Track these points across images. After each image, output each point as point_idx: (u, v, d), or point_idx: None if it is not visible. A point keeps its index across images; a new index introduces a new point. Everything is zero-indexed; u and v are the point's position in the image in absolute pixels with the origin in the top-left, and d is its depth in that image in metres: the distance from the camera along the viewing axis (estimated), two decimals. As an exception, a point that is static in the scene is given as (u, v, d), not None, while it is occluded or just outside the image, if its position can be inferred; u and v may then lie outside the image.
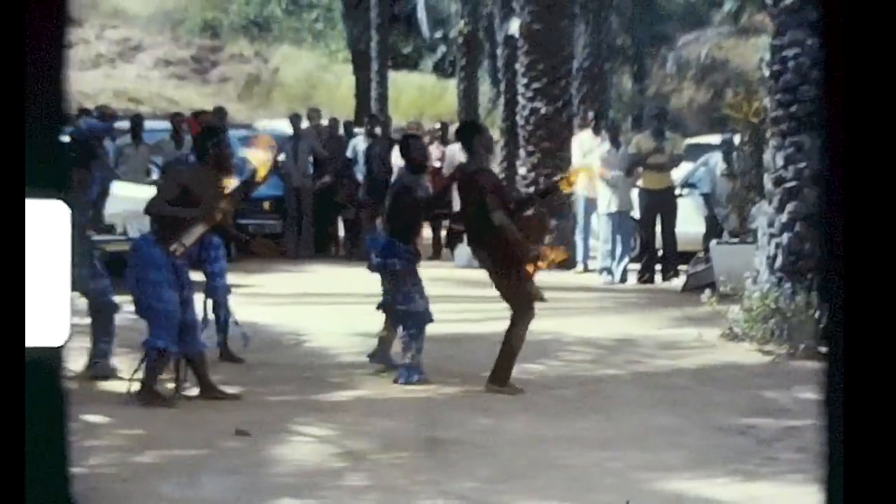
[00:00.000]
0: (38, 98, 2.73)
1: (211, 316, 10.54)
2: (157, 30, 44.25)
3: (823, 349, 8.95)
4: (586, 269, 17.55)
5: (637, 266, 16.71)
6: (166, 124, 18.89)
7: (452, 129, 19.78)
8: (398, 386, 9.86)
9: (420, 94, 40.30)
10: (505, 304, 9.77)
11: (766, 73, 12.44)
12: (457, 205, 10.42)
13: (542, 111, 18.59)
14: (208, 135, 9.56)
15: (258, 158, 9.78)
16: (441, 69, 41.43)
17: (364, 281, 16.03)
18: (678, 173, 17.29)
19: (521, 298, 9.63)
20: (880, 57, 2.56)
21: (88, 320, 9.80)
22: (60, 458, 2.93)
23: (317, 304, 14.43)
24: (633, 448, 7.99)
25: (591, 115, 18.93)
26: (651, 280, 16.58)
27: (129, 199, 13.69)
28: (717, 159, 17.02)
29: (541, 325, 10.40)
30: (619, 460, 7.67)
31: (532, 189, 16.78)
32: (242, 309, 11.20)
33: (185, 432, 8.32)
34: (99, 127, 17.11)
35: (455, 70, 31.99)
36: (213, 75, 43.15)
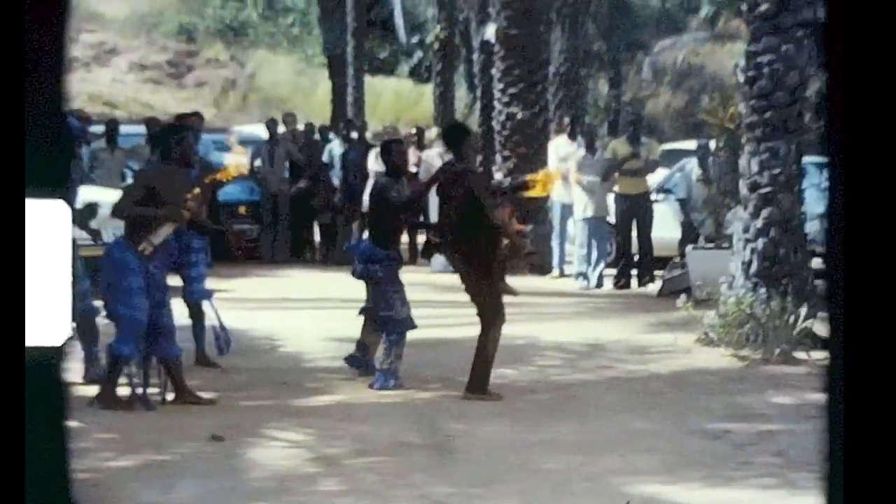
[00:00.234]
0: (38, 98, 2.73)
1: (209, 323, 10.56)
2: (133, 33, 44.13)
3: (798, 354, 8.94)
4: (562, 275, 17.57)
5: (613, 271, 16.73)
6: (141, 129, 18.82)
7: (429, 134, 19.82)
8: (374, 391, 9.85)
9: (396, 99, 40.29)
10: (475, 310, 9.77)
11: (742, 79, 12.48)
12: (431, 209, 10.42)
13: (519, 116, 18.61)
14: (171, 132, 9.54)
15: (232, 160, 9.82)
16: (417, 74, 41.44)
17: (340, 286, 16.03)
18: (654, 178, 17.32)
19: (494, 303, 9.63)
20: (880, 58, 2.56)
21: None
22: (60, 457, 2.92)
23: (293, 309, 14.40)
24: (609, 452, 7.99)
25: (567, 120, 18.95)
26: (627, 285, 16.61)
27: (104, 203, 13.63)
28: (692, 165, 17.06)
29: (516, 330, 10.41)
30: (595, 465, 7.67)
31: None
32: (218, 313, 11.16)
33: (160, 437, 8.30)
34: (77, 127, 17.06)
35: (431, 75, 32.04)
36: (189, 80, 43.06)
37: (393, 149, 10.64)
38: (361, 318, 10.49)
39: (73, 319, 9.66)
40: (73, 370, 9.54)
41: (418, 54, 41.25)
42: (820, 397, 8.89)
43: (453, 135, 10.31)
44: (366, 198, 18.00)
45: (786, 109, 12.04)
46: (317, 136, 20.73)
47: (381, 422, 8.87)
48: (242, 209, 19.24)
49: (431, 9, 32.67)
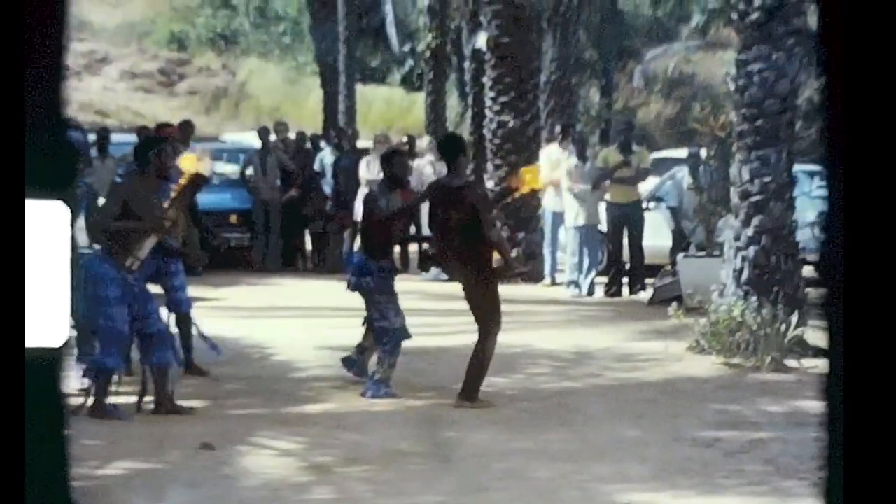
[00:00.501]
0: (38, 98, 2.73)
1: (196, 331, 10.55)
2: (124, 42, 44.16)
3: (789, 362, 8.95)
4: (554, 283, 17.58)
5: (604, 279, 16.74)
6: (133, 137, 18.82)
7: (420, 142, 19.83)
8: (365, 399, 9.85)
9: (388, 108, 40.31)
10: (469, 318, 9.78)
11: (732, 87, 12.50)
12: (421, 218, 10.41)
13: (510, 124, 18.62)
14: (149, 143, 9.55)
15: (192, 161, 9.82)
16: (409, 82, 41.47)
17: (331, 294, 16.03)
18: (645, 187, 17.34)
19: (493, 312, 9.64)
20: (880, 61, 2.57)
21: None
22: (60, 457, 2.92)
23: (284, 318, 14.39)
24: (600, 461, 7.99)
25: (558, 128, 18.96)
26: (618, 293, 16.62)
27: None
28: (683, 173, 17.07)
29: (508, 338, 10.41)
30: (585, 473, 7.67)
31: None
32: (210, 322, 11.16)
33: (150, 445, 8.29)
34: (81, 140, 17.08)
35: (423, 83, 32.01)
36: (181, 88, 43.07)
37: (395, 160, 10.58)
38: (356, 327, 10.51)
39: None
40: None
41: (410, 63, 41.29)
42: (811, 405, 8.93)
43: (449, 147, 10.23)
44: (357, 206, 18.07)
45: (777, 118, 12.06)
46: (308, 145, 20.74)
47: (373, 430, 8.87)
48: (234, 218, 19.23)
49: (423, 17, 32.65)
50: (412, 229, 16.81)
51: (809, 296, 12.33)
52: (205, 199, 16.11)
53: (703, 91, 33.06)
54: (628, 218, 16.54)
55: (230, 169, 20.65)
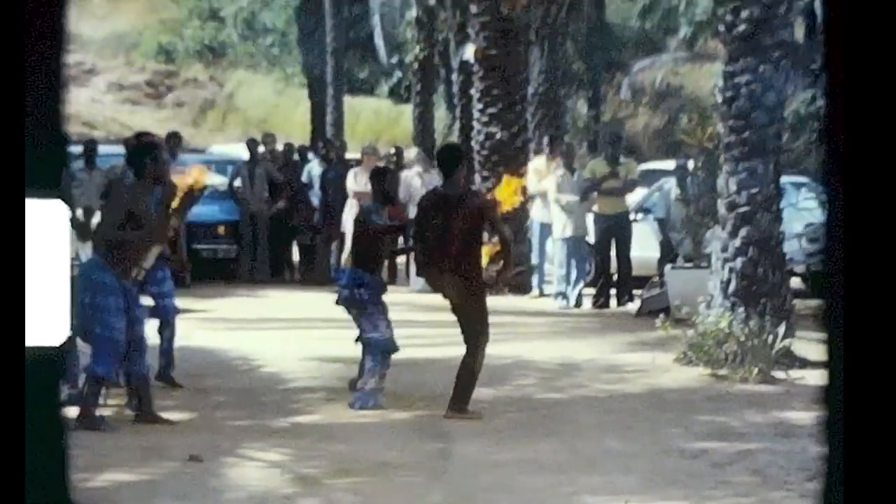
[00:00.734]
0: (37, 98, 2.73)
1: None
2: (111, 54, 44.13)
3: (777, 373, 8.96)
4: (542, 294, 17.59)
5: (592, 291, 16.75)
6: (120, 149, 18.78)
7: (408, 153, 19.83)
8: (352, 411, 9.83)
9: (376, 119, 40.32)
10: (459, 328, 9.79)
11: (720, 99, 12.53)
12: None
13: (498, 136, 18.63)
14: (145, 150, 9.51)
15: (193, 173, 9.84)
16: (397, 94, 41.48)
17: (319, 306, 16.01)
18: (633, 198, 17.36)
19: (484, 323, 9.65)
20: (880, 66, 2.58)
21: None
22: (60, 456, 2.92)
23: (272, 329, 14.38)
24: (587, 472, 7.99)
25: (546, 140, 18.99)
26: (606, 305, 16.63)
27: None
28: (671, 184, 17.10)
29: (495, 349, 10.41)
30: (572, 484, 7.67)
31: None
32: (197, 333, 11.16)
33: (137, 456, 8.27)
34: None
35: (411, 95, 32.06)
36: (168, 100, 43.06)
37: (387, 177, 10.64)
38: (343, 338, 10.55)
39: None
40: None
41: (397, 74, 41.30)
42: (798, 416, 8.93)
43: (448, 156, 10.17)
44: (345, 218, 18.07)
45: (764, 129, 12.09)
46: (296, 156, 20.74)
47: (361, 442, 8.86)
48: (221, 229, 19.21)
49: (411, 29, 32.70)
50: (400, 241, 16.83)
51: (796, 307, 12.36)
52: (192, 210, 16.11)
53: (691, 103, 33.04)
54: (616, 229, 16.56)
55: (218, 180, 20.62)
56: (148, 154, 9.33)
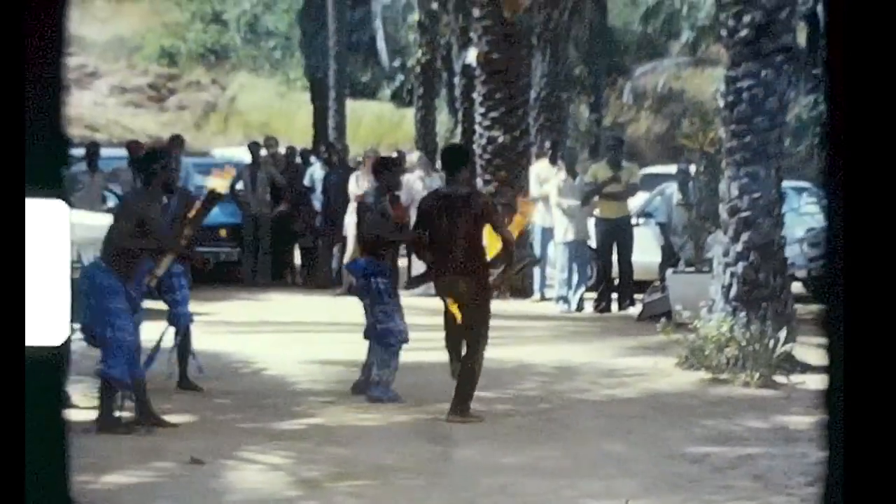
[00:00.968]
0: (38, 98, 2.73)
1: (168, 343, 10.52)
2: (114, 57, 44.14)
3: (778, 377, 8.94)
4: (543, 298, 17.60)
5: (593, 295, 16.75)
6: (122, 152, 18.81)
7: (410, 157, 19.84)
8: (353, 414, 9.84)
9: (378, 123, 40.34)
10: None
11: (722, 103, 12.53)
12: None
13: (500, 140, 18.64)
14: (154, 157, 9.52)
15: (214, 181, 9.90)
16: (399, 98, 41.50)
17: (320, 309, 16.03)
18: (634, 202, 17.37)
19: (486, 327, 9.66)
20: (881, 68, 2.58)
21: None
22: (60, 456, 2.92)
23: (273, 332, 14.38)
24: (587, 476, 7.99)
25: (548, 144, 18.99)
26: (607, 309, 16.63)
27: (83, 226, 13.61)
28: (673, 189, 17.10)
29: (496, 353, 10.42)
30: (572, 488, 7.67)
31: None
32: (199, 337, 11.15)
33: (140, 459, 8.28)
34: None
35: (413, 99, 32.07)
36: (170, 103, 43.07)
37: (388, 166, 10.81)
38: (345, 342, 10.58)
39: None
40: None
41: (400, 78, 41.32)
42: (800, 420, 8.92)
43: (453, 157, 10.16)
44: (347, 221, 18.07)
45: (765, 134, 12.09)
46: (298, 160, 20.76)
47: (362, 445, 8.87)
48: (223, 232, 19.22)
49: (413, 33, 32.70)
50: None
51: (798, 312, 12.36)
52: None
53: (693, 107, 33.07)
54: (617, 233, 16.56)
55: (221, 184, 20.62)
56: (157, 161, 9.34)
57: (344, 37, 33.62)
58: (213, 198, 9.78)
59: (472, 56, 21.21)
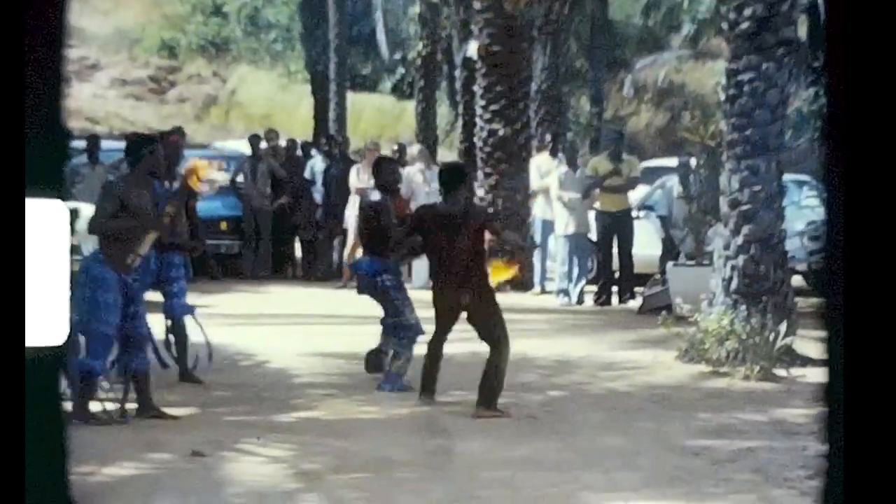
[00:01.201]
0: (38, 98, 2.73)
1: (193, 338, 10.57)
2: (114, 49, 44.11)
3: (778, 371, 8.94)
4: (543, 291, 17.61)
5: (594, 288, 16.76)
6: (123, 144, 18.77)
7: (410, 150, 19.84)
8: (354, 406, 9.86)
9: (379, 116, 40.32)
10: (462, 325, 9.82)
11: (722, 96, 12.53)
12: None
13: (500, 133, 18.64)
14: (143, 142, 9.54)
15: (197, 163, 9.94)
16: (400, 91, 41.48)
17: (321, 302, 16.04)
18: (635, 195, 17.37)
19: (500, 325, 9.70)
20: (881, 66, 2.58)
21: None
22: (60, 456, 2.92)
23: (274, 325, 14.39)
24: (588, 469, 8.00)
25: (548, 137, 19.01)
26: (608, 302, 16.64)
27: (83, 218, 13.61)
28: (673, 182, 17.10)
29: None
30: (573, 482, 7.67)
31: (490, 211, 16.82)
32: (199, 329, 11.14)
33: (140, 452, 8.28)
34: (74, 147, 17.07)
35: (413, 92, 32.04)
36: (171, 95, 43.05)
37: (383, 167, 10.96)
38: (345, 334, 10.70)
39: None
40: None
41: (400, 71, 41.29)
42: (799, 414, 8.93)
43: (451, 176, 10.15)
44: (347, 214, 18.09)
45: (766, 127, 12.09)
46: (299, 152, 20.75)
47: (363, 438, 8.87)
48: (224, 225, 19.23)
49: (414, 26, 32.68)
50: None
51: (798, 305, 12.37)
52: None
53: (694, 100, 33.09)
54: (618, 227, 16.57)
55: (220, 176, 20.65)
56: (146, 146, 9.36)
57: (345, 29, 33.59)
58: (188, 188, 9.80)
59: (472, 49, 21.20)
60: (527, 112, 19.45)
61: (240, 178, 19.43)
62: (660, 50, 37.79)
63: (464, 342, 10.30)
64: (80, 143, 18.24)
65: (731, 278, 12.05)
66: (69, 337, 8.84)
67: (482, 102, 18.93)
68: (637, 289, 16.46)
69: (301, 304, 16.25)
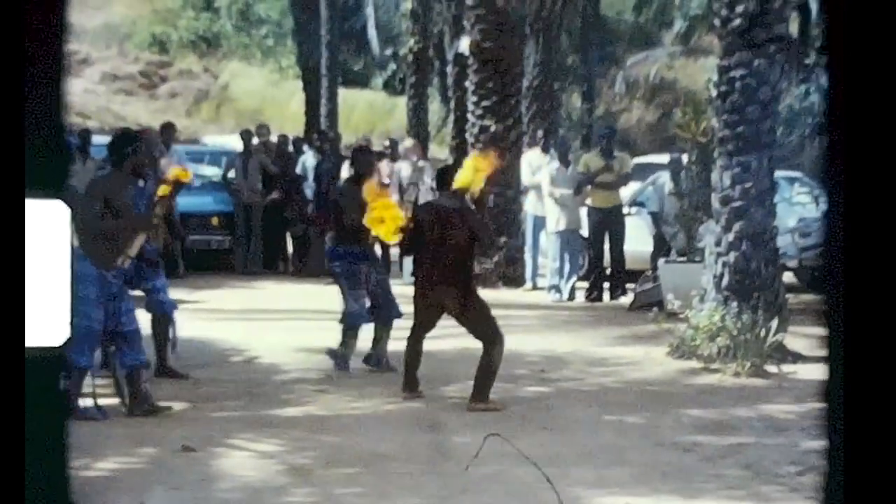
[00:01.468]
0: (38, 97, 2.73)
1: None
2: (105, 44, 44.08)
3: (769, 367, 8.96)
4: (535, 287, 17.61)
5: (585, 284, 16.76)
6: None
7: (402, 145, 19.83)
8: (345, 402, 9.86)
9: (370, 111, 40.33)
10: (453, 322, 9.83)
11: (714, 93, 12.54)
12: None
13: (492, 129, 18.64)
14: (126, 141, 9.48)
15: (178, 166, 9.98)
16: (391, 86, 41.50)
17: (312, 297, 16.03)
18: (626, 192, 17.37)
19: (491, 322, 9.73)
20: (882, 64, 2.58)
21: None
22: (60, 457, 2.92)
23: (265, 321, 14.39)
24: (579, 464, 8.01)
25: (540, 133, 19.00)
26: (599, 298, 16.64)
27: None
28: (665, 178, 17.10)
29: (488, 341, 10.40)
30: (564, 477, 7.67)
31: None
32: (190, 324, 11.17)
33: (131, 447, 8.28)
34: (74, 142, 17.04)
35: (405, 87, 32.04)
36: (162, 91, 43.03)
37: (357, 157, 11.57)
38: (336, 329, 10.86)
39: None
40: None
41: (392, 66, 41.31)
42: (790, 410, 8.94)
43: (447, 177, 10.18)
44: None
45: (758, 124, 12.10)
46: (290, 148, 20.73)
47: (353, 433, 8.88)
48: (215, 220, 19.22)
49: (405, 21, 32.67)
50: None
51: (789, 302, 12.39)
52: (186, 201, 16.13)
53: (685, 97, 33.08)
54: (609, 223, 16.57)
55: (212, 172, 20.65)
56: (129, 145, 9.31)
57: (336, 25, 33.59)
58: (179, 183, 9.76)
59: (464, 45, 21.19)
60: (518, 108, 19.46)
61: (231, 174, 19.42)
62: (651, 46, 37.82)
63: (454, 338, 10.31)
64: (71, 139, 18.21)
65: (722, 275, 12.07)
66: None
67: (474, 98, 18.92)
68: (628, 285, 16.47)
69: (292, 299, 16.25)
